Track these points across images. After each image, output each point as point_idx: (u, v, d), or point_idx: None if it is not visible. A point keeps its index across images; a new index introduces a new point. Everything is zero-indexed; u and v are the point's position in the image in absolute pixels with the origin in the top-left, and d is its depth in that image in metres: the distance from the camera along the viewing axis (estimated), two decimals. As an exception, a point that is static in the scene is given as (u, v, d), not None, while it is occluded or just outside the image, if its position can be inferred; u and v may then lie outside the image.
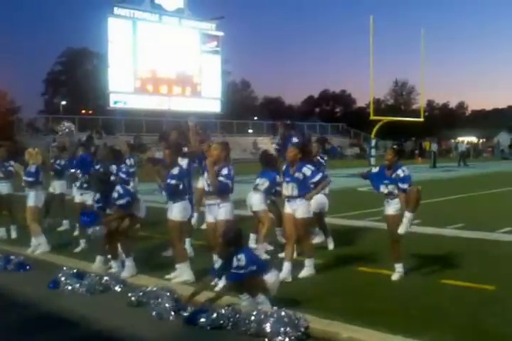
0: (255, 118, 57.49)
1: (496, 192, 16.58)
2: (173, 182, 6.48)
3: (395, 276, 6.41)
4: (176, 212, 6.53)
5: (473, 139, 55.06)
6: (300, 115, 74.71)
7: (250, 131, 46.89)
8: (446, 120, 79.72)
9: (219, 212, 6.37)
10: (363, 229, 9.80)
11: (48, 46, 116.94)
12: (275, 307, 4.99)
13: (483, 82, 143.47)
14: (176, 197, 6.55)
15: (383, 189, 6.47)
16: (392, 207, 6.45)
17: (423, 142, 45.98)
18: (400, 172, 6.32)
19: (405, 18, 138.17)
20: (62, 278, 6.41)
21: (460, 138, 53.71)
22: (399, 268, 6.46)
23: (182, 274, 6.43)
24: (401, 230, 6.19)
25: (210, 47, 43.64)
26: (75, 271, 6.60)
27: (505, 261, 7.25)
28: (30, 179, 8.30)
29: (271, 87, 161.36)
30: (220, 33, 44.33)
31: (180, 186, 6.52)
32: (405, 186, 6.25)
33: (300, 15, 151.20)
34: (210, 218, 6.49)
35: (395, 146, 6.95)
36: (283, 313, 4.79)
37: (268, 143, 31.41)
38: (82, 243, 8.36)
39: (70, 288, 6.29)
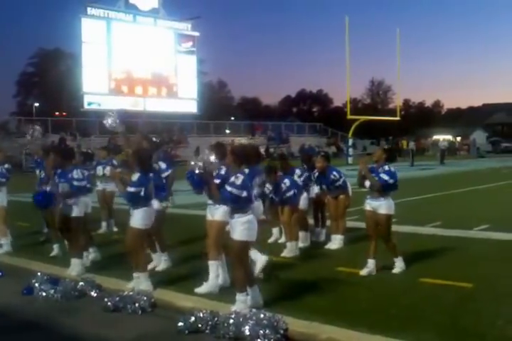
0: (232, 118, 57.25)
1: (472, 189, 16.70)
2: (132, 189, 6.11)
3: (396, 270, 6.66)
4: (137, 218, 6.13)
5: (449, 137, 55.58)
6: (277, 115, 74.76)
7: (227, 131, 46.62)
8: (422, 119, 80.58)
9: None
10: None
11: (20, 47, 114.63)
12: (254, 310, 4.93)
13: (458, 81, 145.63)
14: (136, 204, 6.15)
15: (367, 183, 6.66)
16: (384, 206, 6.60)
17: (400, 141, 46.30)
18: (386, 167, 6.60)
19: (381, 17, 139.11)
20: (36, 284, 6.28)
21: (438, 137, 54.12)
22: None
23: (140, 284, 6.10)
24: None
25: (186, 47, 43.29)
26: (49, 276, 6.47)
27: (483, 259, 7.26)
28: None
29: (248, 87, 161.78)
30: (196, 33, 44.01)
31: (142, 193, 6.09)
32: (386, 178, 6.49)
33: (276, 14, 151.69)
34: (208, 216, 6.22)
35: (385, 146, 7.25)
36: (262, 315, 4.74)
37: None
38: (56, 248, 8.17)
39: (44, 294, 6.15)
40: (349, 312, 5.13)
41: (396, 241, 6.75)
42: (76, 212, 7.11)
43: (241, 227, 5.26)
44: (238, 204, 5.30)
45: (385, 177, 6.49)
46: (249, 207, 5.37)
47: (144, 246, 6.37)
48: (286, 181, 7.66)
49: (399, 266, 6.67)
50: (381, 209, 6.56)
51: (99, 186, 10.20)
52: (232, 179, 5.29)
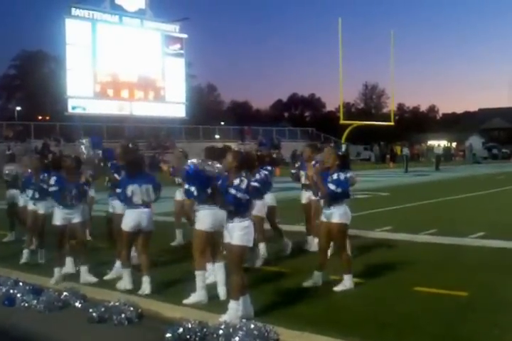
0: (222, 123, 56.93)
1: (468, 196, 16.66)
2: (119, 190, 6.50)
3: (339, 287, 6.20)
4: (123, 219, 6.47)
5: (445, 143, 55.47)
6: (268, 120, 74.56)
7: (217, 136, 46.26)
8: (417, 124, 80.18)
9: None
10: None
11: (1, 49, 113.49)
12: (244, 320, 4.87)
13: (453, 85, 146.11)
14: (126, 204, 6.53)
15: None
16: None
17: (394, 146, 46.22)
18: (335, 175, 6.24)
19: (374, 20, 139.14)
20: (18, 295, 6.11)
21: (433, 142, 54.07)
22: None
23: (122, 280, 6.35)
24: None
25: (174, 49, 42.92)
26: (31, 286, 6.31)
27: (479, 267, 7.17)
28: None
29: (238, 91, 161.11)
30: (184, 35, 43.55)
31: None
32: (333, 188, 6.16)
33: (268, 17, 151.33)
34: None
35: (339, 152, 6.77)
36: (252, 326, 4.67)
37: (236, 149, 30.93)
38: (26, 253, 8.06)
39: (26, 304, 5.98)
40: (342, 322, 5.04)
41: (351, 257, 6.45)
42: (81, 217, 7.01)
43: (240, 232, 5.16)
44: (240, 208, 5.20)
45: (332, 186, 6.18)
46: (249, 211, 5.31)
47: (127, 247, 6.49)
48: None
49: (346, 284, 6.18)
50: (333, 217, 6.22)
51: None
52: (237, 182, 5.18)
